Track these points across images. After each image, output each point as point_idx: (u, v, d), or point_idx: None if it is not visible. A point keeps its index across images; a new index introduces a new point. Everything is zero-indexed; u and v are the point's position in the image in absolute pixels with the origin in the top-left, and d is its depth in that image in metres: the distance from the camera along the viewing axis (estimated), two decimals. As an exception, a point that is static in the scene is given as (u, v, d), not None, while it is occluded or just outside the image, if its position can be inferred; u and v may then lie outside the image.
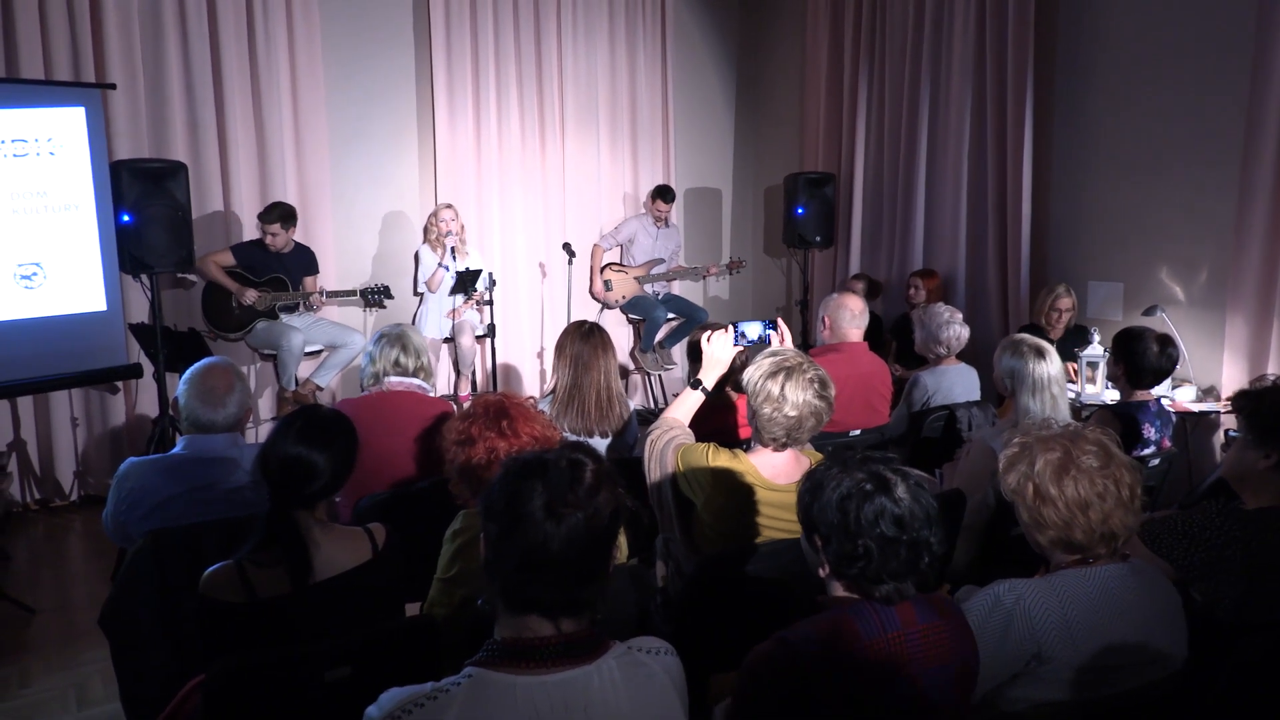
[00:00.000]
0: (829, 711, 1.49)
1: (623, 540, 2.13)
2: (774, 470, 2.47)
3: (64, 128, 4.49)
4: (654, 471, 2.62)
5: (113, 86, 4.93)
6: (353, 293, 5.49)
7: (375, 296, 5.51)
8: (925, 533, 1.55)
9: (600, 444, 3.18)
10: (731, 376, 3.06)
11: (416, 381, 3.24)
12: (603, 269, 6.75)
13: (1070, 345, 4.83)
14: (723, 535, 2.48)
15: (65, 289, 4.55)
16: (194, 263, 4.94)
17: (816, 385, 2.42)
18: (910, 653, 1.53)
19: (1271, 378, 2.43)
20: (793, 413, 2.38)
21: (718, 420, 3.23)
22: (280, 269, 5.31)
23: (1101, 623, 1.75)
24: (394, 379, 3.20)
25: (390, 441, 2.98)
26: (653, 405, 6.96)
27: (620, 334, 6.82)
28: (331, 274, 5.75)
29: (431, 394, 3.29)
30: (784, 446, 2.46)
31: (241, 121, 5.47)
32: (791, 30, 7.30)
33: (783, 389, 2.39)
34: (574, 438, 3.06)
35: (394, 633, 1.95)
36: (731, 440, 3.13)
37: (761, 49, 7.66)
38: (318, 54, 5.71)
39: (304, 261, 5.44)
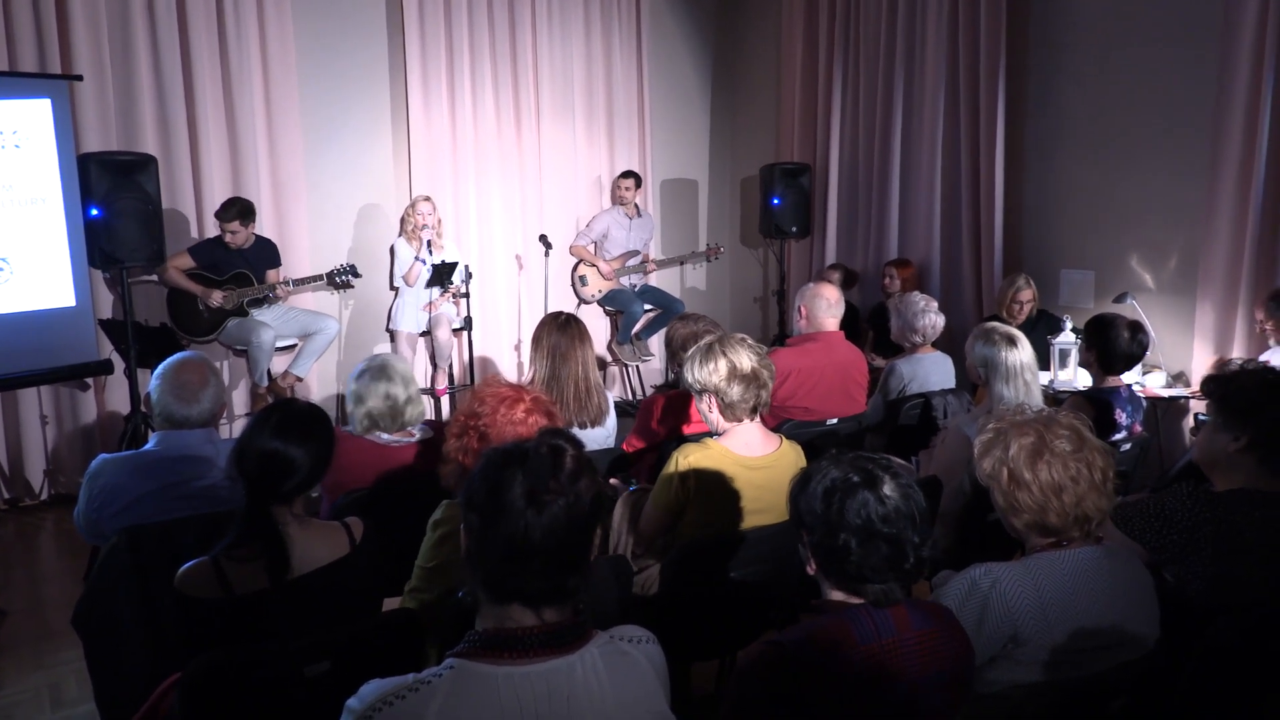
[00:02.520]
0: (821, 714, 1.48)
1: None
2: (748, 446, 2.50)
3: (30, 120, 4.42)
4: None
5: (79, 78, 4.84)
6: (319, 277, 5.42)
7: (342, 278, 5.45)
8: (909, 532, 1.52)
9: (587, 435, 3.17)
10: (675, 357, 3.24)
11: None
12: (576, 265, 6.73)
13: (1030, 333, 4.89)
14: (706, 527, 2.49)
15: (33, 284, 4.48)
16: (165, 258, 4.86)
17: (748, 343, 2.52)
18: (905, 659, 1.51)
19: (1236, 362, 2.46)
20: (748, 367, 2.45)
21: (685, 413, 3.26)
22: (243, 264, 5.19)
23: (1076, 605, 1.77)
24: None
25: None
26: (631, 397, 6.96)
27: (597, 326, 6.81)
28: (307, 268, 5.67)
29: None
30: (755, 412, 2.51)
31: (213, 113, 5.38)
32: (767, 19, 7.30)
33: (726, 357, 2.46)
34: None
35: (373, 627, 1.94)
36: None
37: (737, 37, 7.66)
38: (290, 44, 5.63)
39: (266, 254, 5.32)
